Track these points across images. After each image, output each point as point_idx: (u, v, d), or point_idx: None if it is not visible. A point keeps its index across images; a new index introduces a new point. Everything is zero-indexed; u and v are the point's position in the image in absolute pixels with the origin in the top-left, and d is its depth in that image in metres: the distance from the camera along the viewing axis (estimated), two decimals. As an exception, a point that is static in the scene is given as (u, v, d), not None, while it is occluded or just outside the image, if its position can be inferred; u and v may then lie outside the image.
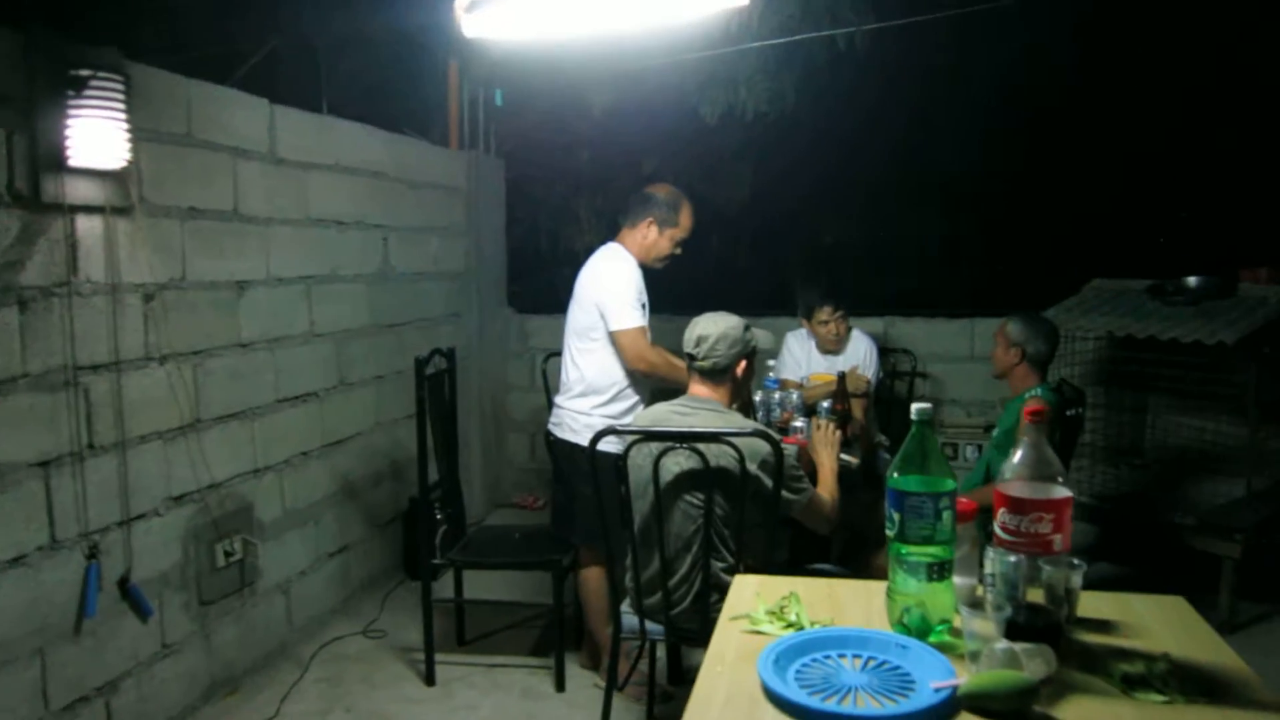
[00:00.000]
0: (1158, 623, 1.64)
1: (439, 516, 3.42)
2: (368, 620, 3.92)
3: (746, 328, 2.61)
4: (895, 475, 1.56)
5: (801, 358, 4.27)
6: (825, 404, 3.63)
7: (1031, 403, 1.35)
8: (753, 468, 2.38)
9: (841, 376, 3.55)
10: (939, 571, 1.53)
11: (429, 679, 3.36)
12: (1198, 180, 4.83)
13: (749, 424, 2.55)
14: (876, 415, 4.25)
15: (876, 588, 1.80)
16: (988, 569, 1.63)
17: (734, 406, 2.64)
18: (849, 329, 4.23)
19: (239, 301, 3.34)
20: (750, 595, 1.78)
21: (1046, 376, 3.25)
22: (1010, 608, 1.43)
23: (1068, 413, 3.16)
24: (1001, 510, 1.53)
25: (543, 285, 6.05)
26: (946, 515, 1.52)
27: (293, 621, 3.69)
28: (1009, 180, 5.43)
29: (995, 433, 3.30)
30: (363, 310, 4.17)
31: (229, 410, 3.29)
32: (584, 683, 3.36)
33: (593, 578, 3.23)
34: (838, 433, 2.77)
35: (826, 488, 2.66)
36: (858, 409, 3.71)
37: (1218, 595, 3.67)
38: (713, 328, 2.55)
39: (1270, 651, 3.37)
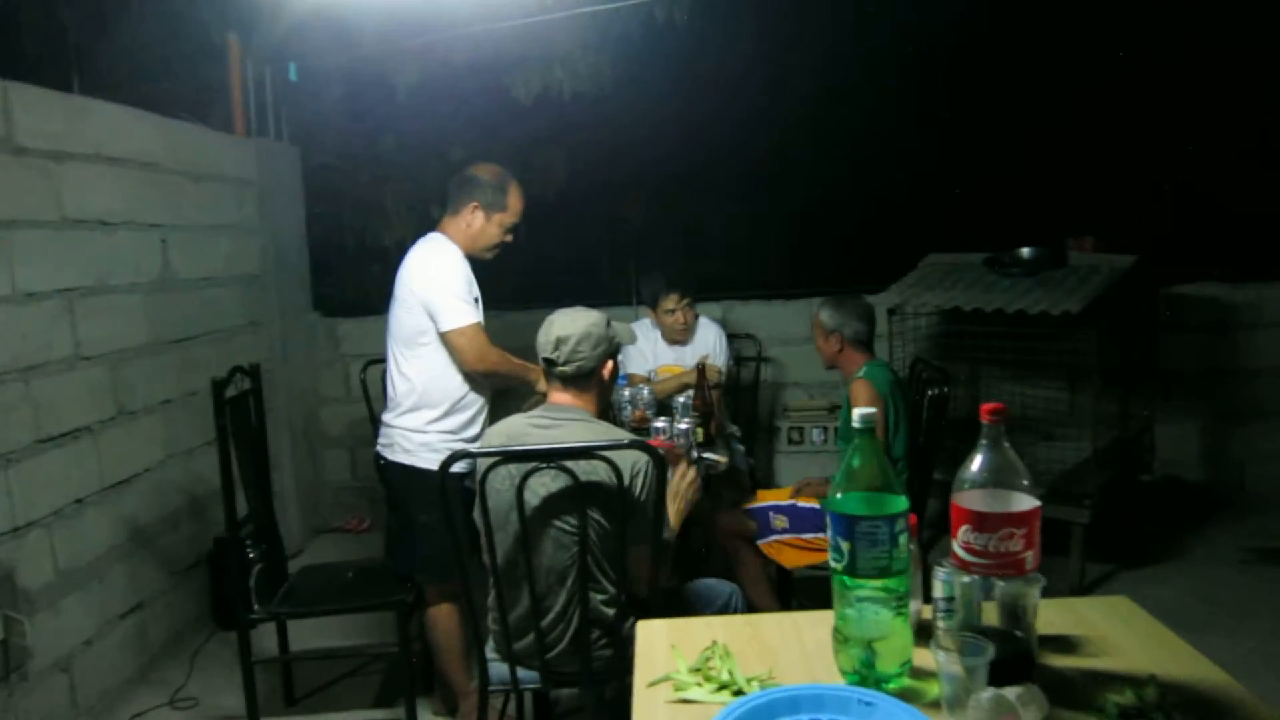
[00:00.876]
0: (1118, 632, 1.48)
1: (251, 555, 2.91)
2: (174, 687, 3.35)
3: (608, 323, 2.31)
4: (838, 496, 1.30)
5: (648, 350, 4.01)
6: (681, 399, 3.39)
7: (987, 407, 1.17)
8: (634, 485, 2.08)
9: (700, 369, 3.32)
10: (897, 606, 1.29)
11: (254, 753, 2.87)
12: (1022, 153, 4.95)
13: (623, 434, 2.25)
14: (725, 404, 4.07)
15: (804, 621, 1.56)
16: (938, 592, 1.42)
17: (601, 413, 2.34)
18: (696, 317, 4.01)
19: (-27, 324, 2.71)
20: (662, 648, 1.48)
21: (874, 353, 3.19)
22: (986, 645, 1.21)
23: (929, 392, 3.06)
24: (963, 528, 1.31)
25: (351, 285, 5.50)
26: (903, 540, 1.29)
27: (78, 703, 3.08)
28: (839, 158, 5.40)
29: (840, 422, 3.22)
30: (141, 325, 3.55)
31: (-30, 459, 2.67)
32: (441, 733, 2.98)
33: (443, 616, 2.84)
34: (694, 482, 2.39)
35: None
36: (716, 401, 3.50)
37: (1066, 559, 3.73)
38: (572, 327, 2.23)
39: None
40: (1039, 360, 4.01)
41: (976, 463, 1.31)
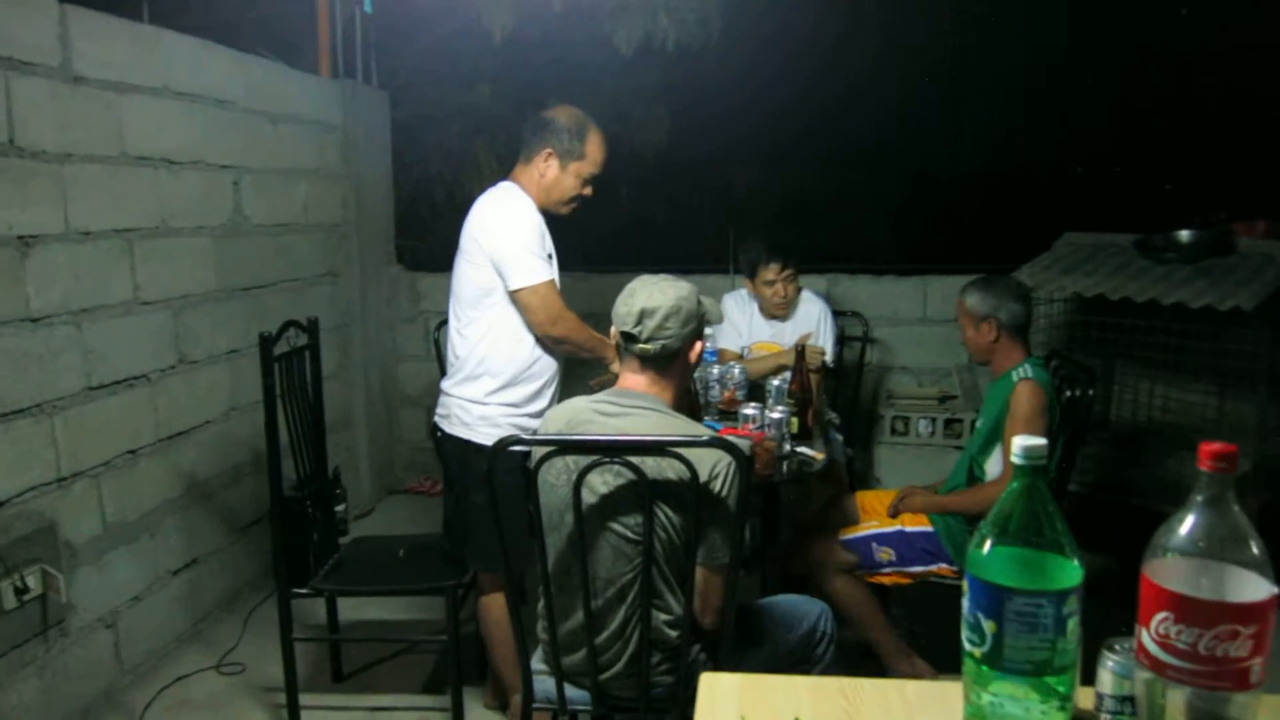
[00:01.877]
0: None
1: (298, 525, 2.70)
2: (224, 650, 3.20)
3: (699, 299, 1.97)
4: (983, 553, 0.95)
5: (742, 324, 3.65)
6: (775, 381, 3.04)
7: (1216, 451, 0.80)
8: (715, 487, 1.76)
9: (800, 351, 2.94)
10: (1054, 708, 0.94)
11: (294, 730, 2.68)
12: (1176, 123, 4.35)
13: (701, 429, 1.91)
14: (825, 389, 3.67)
15: (918, 695, 1.21)
16: (1107, 687, 1.05)
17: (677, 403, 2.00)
18: (798, 290, 3.62)
19: (23, 263, 2.54)
20: (729, 712, 1.16)
21: (1030, 344, 2.71)
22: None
23: (1067, 393, 2.63)
24: (1160, 616, 0.93)
25: (438, 239, 5.27)
26: (1072, 624, 0.93)
27: (123, 661, 2.96)
28: (962, 125, 4.89)
29: (980, 423, 2.74)
30: (208, 270, 3.38)
31: (14, 406, 2.51)
32: (489, 729, 2.74)
33: (495, 607, 2.58)
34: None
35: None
36: (815, 387, 3.12)
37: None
38: (660, 298, 1.90)
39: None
40: (1186, 360, 3.51)
41: (1188, 525, 0.93)
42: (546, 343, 2.54)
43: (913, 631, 2.92)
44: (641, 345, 1.90)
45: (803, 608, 2.19)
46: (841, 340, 4.02)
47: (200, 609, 3.36)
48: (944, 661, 2.70)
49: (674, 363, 1.93)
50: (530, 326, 2.50)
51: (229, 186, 3.50)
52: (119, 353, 2.92)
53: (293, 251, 3.97)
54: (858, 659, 2.80)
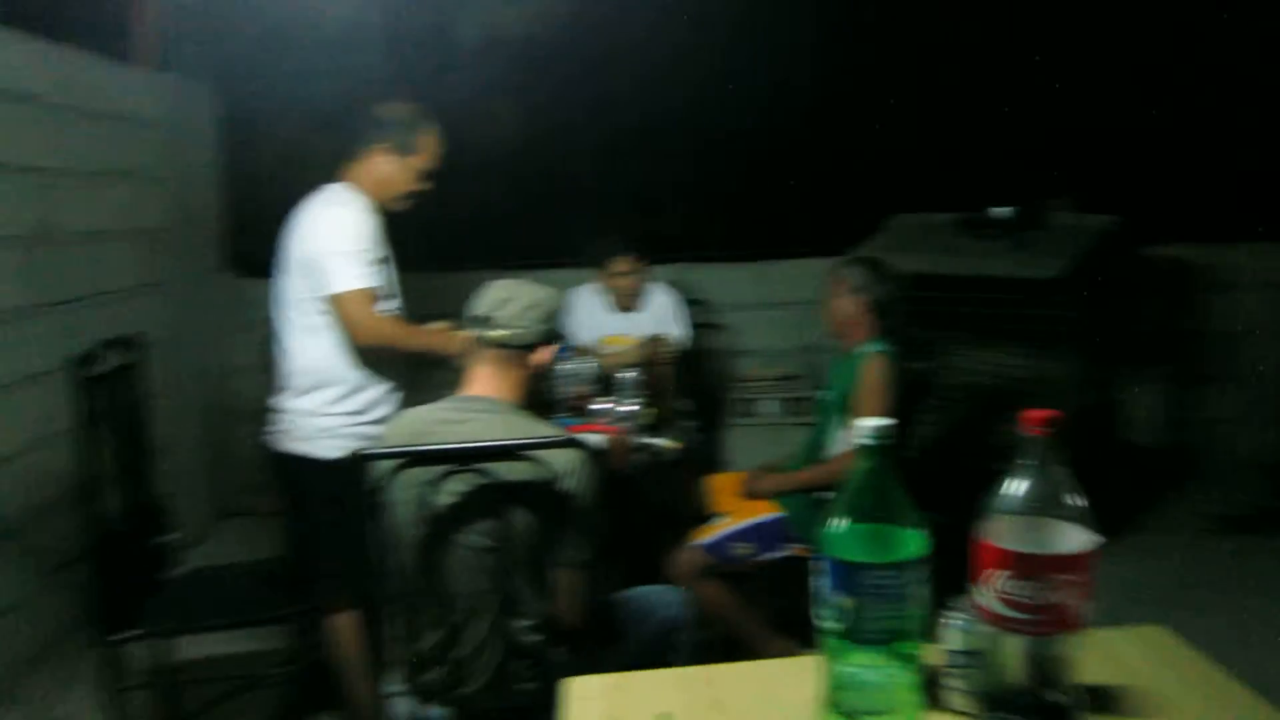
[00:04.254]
0: (1160, 675, 1.19)
1: (119, 562, 2.48)
2: (45, 709, 2.91)
3: (558, 304, 1.95)
4: (835, 530, 0.96)
5: (591, 318, 3.64)
6: (626, 375, 3.03)
7: (1038, 417, 0.86)
8: (570, 485, 1.73)
9: (652, 343, 2.95)
10: (907, 672, 0.97)
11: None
12: (992, 108, 4.60)
13: (552, 430, 1.88)
14: (679, 377, 3.71)
15: (779, 675, 1.22)
16: (952, 644, 1.10)
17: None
18: (649, 282, 3.64)
19: None
20: (595, 716, 1.14)
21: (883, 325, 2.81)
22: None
23: (907, 367, 2.75)
24: (999, 575, 0.97)
25: (275, 243, 5.02)
26: (920, 592, 0.96)
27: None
28: (794, 113, 5.01)
29: (830, 394, 2.83)
30: (9, 285, 3.08)
31: None
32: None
33: (344, 627, 2.46)
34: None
35: None
36: (666, 379, 3.14)
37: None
38: (519, 290, 1.88)
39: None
40: (1010, 328, 3.74)
41: (1017, 487, 0.97)
42: (375, 351, 2.44)
43: (778, 610, 2.99)
44: (494, 331, 1.86)
45: (658, 597, 2.20)
46: (693, 328, 4.07)
47: (11, 664, 3.04)
48: (809, 634, 2.77)
49: (523, 359, 1.90)
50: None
51: (34, 190, 3.20)
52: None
53: (109, 260, 3.67)
54: (727, 649, 2.84)
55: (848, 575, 0.94)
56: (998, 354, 3.98)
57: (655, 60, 4.89)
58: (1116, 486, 4.21)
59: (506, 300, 1.86)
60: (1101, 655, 1.23)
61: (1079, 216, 3.61)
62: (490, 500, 1.69)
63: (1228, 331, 4.70)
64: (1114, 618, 1.26)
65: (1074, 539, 0.96)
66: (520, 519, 1.74)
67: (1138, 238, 4.20)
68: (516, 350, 1.89)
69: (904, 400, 2.73)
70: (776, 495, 2.80)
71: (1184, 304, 4.69)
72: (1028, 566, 0.96)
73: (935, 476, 3.70)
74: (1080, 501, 0.98)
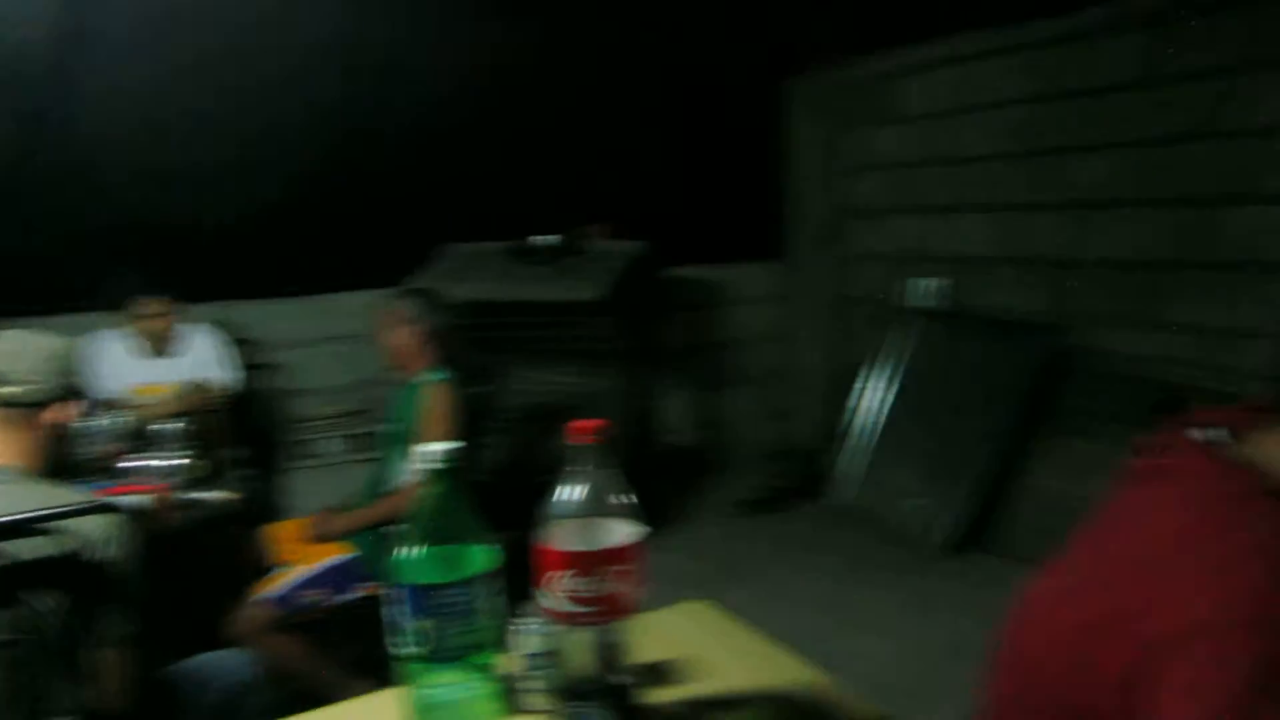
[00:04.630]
0: (708, 643, 1.37)
1: None
2: None
3: (71, 360, 1.71)
4: (405, 558, 0.98)
5: (118, 367, 3.24)
6: (169, 427, 2.75)
7: (584, 427, 0.93)
8: (102, 554, 1.53)
9: (194, 390, 2.70)
10: (488, 682, 1.01)
11: None
12: (533, 144, 4.90)
13: (74, 495, 1.65)
14: (229, 424, 3.44)
15: (346, 716, 1.20)
16: (526, 648, 1.17)
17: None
18: (182, 324, 3.32)
19: None
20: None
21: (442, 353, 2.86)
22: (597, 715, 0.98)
23: (469, 392, 2.83)
24: (561, 575, 1.05)
25: None
26: (495, 602, 1.01)
27: None
28: (340, 145, 4.90)
29: (392, 426, 2.81)
30: None
31: None
32: None
33: None
34: None
35: None
36: (215, 427, 2.90)
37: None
38: (28, 341, 1.62)
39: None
40: (561, 348, 4.02)
41: (570, 493, 1.06)
42: None
43: (358, 654, 2.89)
44: (7, 389, 1.59)
45: (220, 662, 2.03)
46: (243, 369, 3.79)
47: None
48: (390, 674, 2.72)
49: (34, 417, 1.64)
50: None
51: None
52: None
53: None
54: (305, 704, 2.68)
55: (422, 598, 0.96)
56: (553, 373, 4.27)
57: (184, 91, 4.51)
58: (661, 484, 4.73)
59: (13, 353, 1.60)
60: (656, 634, 1.39)
61: (614, 243, 4.00)
62: (6, 586, 1.44)
63: (736, 340, 5.51)
64: (666, 600, 1.42)
65: (623, 533, 1.08)
66: (47, 601, 1.51)
67: (661, 261, 4.76)
68: (27, 409, 1.63)
69: (468, 424, 2.81)
70: (345, 536, 2.72)
71: (702, 318, 5.41)
72: (585, 563, 1.05)
73: (505, 494, 3.85)
74: (627, 499, 1.09)
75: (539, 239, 3.87)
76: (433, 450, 0.98)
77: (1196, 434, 1.06)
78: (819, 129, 5.31)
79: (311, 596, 2.64)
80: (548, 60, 4.58)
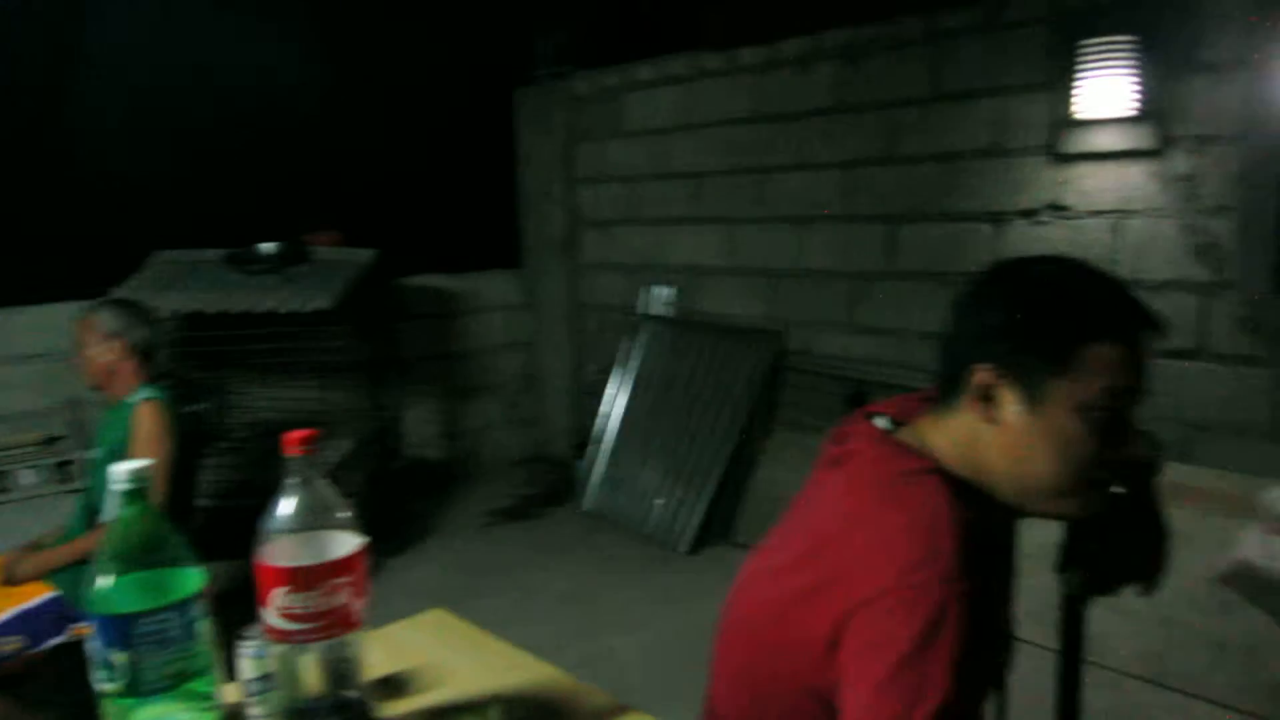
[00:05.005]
0: (444, 652, 1.37)
1: None
2: None
3: None
4: (102, 589, 0.91)
5: None
6: None
7: (295, 438, 0.87)
8: None
9: None
10: (205, 711, 0.96)
11: None
12: (253, 148, 4.59)
13: None
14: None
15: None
16: (249, 673, 1.12)
17: None
18: None
19: None
20: None
21: (153, 371, 2.63)
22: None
23: (186, 410, 2.62)
24: (279, 591, 1.02)
25: None
26: (201, 625, 0.96)
27: None
28: (28, 142, 4.36)
29: (101, 452, 2.56)
30: None
31: None
32: None
33: None
34: None
35: None
36: None
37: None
38: None
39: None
40: (290, 361, 3.83)
41: (285, 507, 1.03)
42: None
43: (73, 704, 2.59)
44: None
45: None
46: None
47: None
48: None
49: None
50: None
51: None
52: None
53: None
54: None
55: (119, 629, 0.89)
56: (285, 389, 4.05)
57: None
58: (408, 498, 4.63)
59: None
60: (392, 647, 1.38)
61: (342, 251, 3.86)
62: None
63: (480, 349, 5.49)
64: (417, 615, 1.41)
65: (343, 544, 1.06)
66: None
67: (396, 270, 4.66)
68: None
69: (186, 446, 2.61)
70: (45, 575, 2.44)
71: (444, 328, 5.34)
72: (305, 578, 1.02)
73: (233, 517, 3.62)
74: (346, 509, 1.07)
75: (260, 246, 3.66)
76: (123, 470, 0.92)
77: (872, 422, 1.20)
78: (553, 140, 5.42)
79: (8, 645, 2.35)
80: (272, 60, 4.35)
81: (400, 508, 4.48)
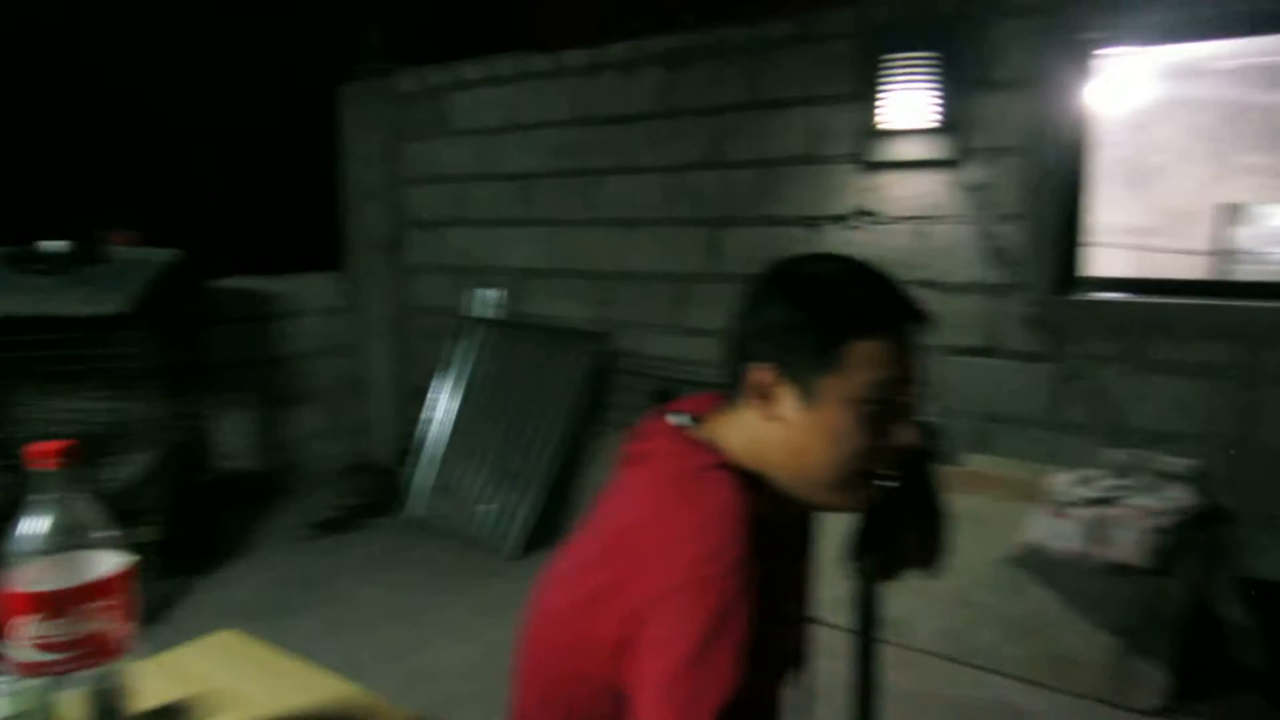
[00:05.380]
0: (235, 675, 1.28)
1: None
2: None
3: None
4: None
5: None
6: None
7: (46, 450, 0.78)
8: None
9: None
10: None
11: None
12: (35, 140, 4.19)
13: None
14: None
15: None
16: (2, 713, 1.01)
17: None
18: None
19: None
20: None
21: None
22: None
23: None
24: (29, 620, 0.92)
25: None
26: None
27: None
28: None
29: None
30: None
31: None
32: None
33: None
34: None
35: None
36: None
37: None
38: None
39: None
40: (78, 370, 3.52)
41: (32, 527, 0.94)
42: None
43: None
44: None
45: None
46: None
47: None
48: None
49: None
50: None
51: None
52: None
53: None
54: None
55: None
56: (75, 400, 3.72)
57: None
58: (219, 514, 4.36)
59: None
60: (174, 672, 1.27)
61: (140, 250, 3.59)
62: None
63: (298, 355, 5.24)
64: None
65: (104, 564, 0.97)
66: None
67: (204, 272, 4.38)
68: None
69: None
70: None
71: (259, 332, 5.06)
72: (59, 604, 0.93)
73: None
74: (107, 525, 0.99)
75: (45, 245, 3.35)
76: None
77: (669, 419, 1.21)
78: (375, 138, 5.25)
79: None
80: (68, 38, 4.01)
81: (211, 524, 4.22)
